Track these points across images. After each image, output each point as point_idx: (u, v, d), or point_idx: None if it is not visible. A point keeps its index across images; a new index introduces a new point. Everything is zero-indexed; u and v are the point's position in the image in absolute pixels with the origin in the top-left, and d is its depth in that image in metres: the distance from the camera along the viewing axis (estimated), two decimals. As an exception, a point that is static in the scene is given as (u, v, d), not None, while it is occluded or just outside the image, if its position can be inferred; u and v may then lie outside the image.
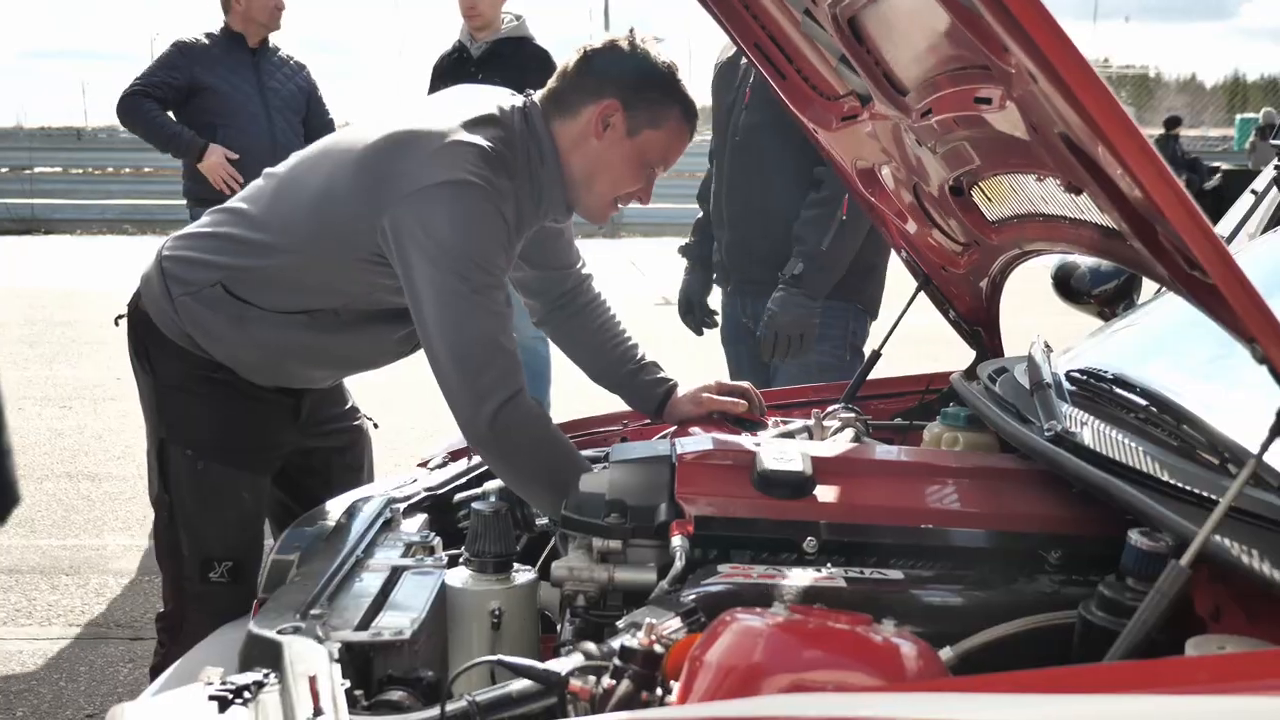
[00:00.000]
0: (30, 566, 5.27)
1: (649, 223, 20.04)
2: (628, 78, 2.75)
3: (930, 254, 2.99)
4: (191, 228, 3.04)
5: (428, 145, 2.66)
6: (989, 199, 2.57)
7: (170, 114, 6.16)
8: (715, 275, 4.59)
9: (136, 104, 6.15)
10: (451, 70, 6.29)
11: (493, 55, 6.19)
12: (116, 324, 3.09)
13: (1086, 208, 2.15)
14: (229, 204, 3.00)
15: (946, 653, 1.80)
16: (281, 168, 2.96)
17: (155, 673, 2.95)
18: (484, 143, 2.67)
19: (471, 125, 2.71)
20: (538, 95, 2.84)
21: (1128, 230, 1.88)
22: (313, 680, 1.74)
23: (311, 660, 1.85)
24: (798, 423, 2.87)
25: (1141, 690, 1.49)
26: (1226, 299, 1.45)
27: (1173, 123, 20.15)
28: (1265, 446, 1.60)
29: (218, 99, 6.09)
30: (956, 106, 2.16)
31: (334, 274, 2.81)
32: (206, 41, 6.25)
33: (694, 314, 4.66)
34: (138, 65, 6.50)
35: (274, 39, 6.36)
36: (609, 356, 3.20)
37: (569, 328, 3.26)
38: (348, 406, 3.36)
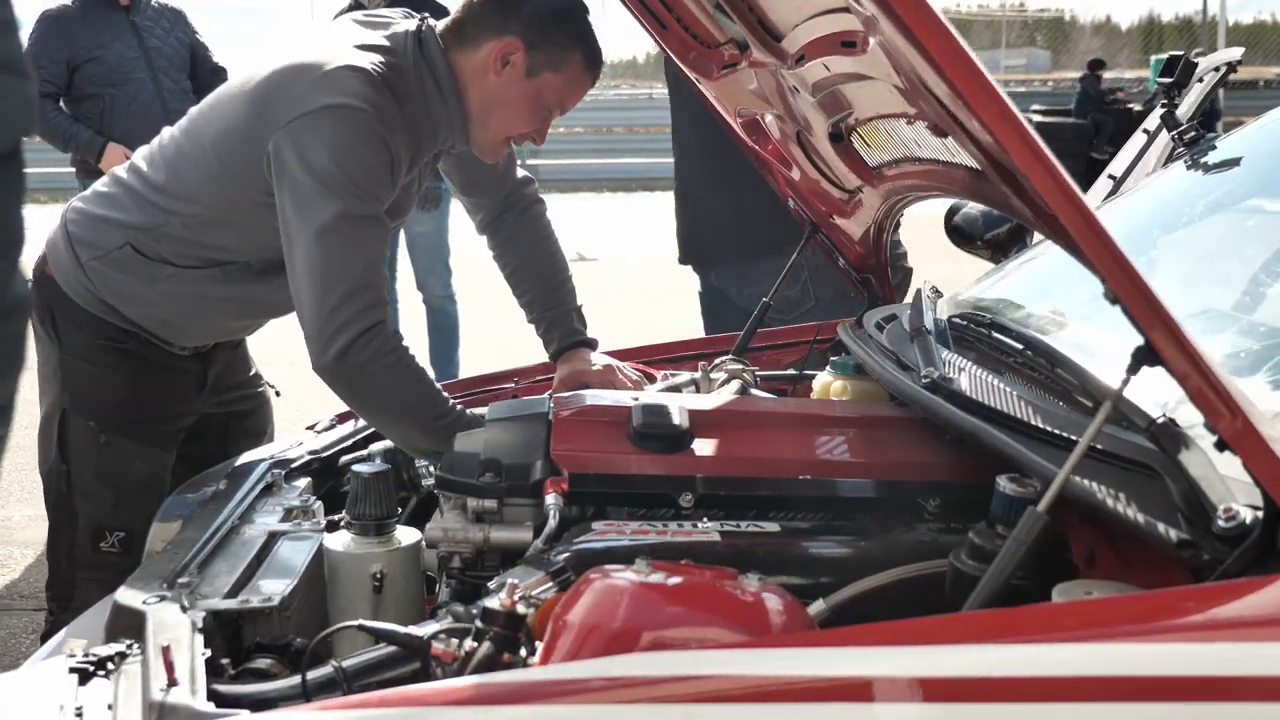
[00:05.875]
0: (-70, 540, 5.16)
1: (564, 179, 20.05)
2: (535, 17, 2.69)
3: (817, 201, 2.97)
4: (94, 189, 2.98)
5: (312, 72, 2.62)
6: (869, 144, 2.55)
7: (62, 103, 5.75)
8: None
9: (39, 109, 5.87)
10: (352, 26, 6.17)
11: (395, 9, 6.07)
12: None
13: (955, 150, 2.13)
14: (130, 163, 2.95)
15: (819, 605, 1.78)
16: (176, 129, 2.90)
17: (45, 641, 2.91)
18: (370, 67, 2.63)
19: (358, 51, 2.67)
20: (441, 23, 2.79)
21: (990, 171, 1.86)
22: (166, 650, 1.70)
23: (171, 630, 1.81)
24: (684, 376, 2.84)
25: (1002, 639, 1.46)
26: (1074, 240, 1.43)
27: (1096, 64, 20.73)
28: (1123, 386, 1.57)
29: (102, 69, 5.72)
30: (826, 51, 2.14)
31: (239, 223, 2.77)
32: (71, 5, 5.79)
33: None
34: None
35: None
36: (531, 281, 3.17)
37: (500, 244, 3.22)
38: (251, 374, 3.35)
